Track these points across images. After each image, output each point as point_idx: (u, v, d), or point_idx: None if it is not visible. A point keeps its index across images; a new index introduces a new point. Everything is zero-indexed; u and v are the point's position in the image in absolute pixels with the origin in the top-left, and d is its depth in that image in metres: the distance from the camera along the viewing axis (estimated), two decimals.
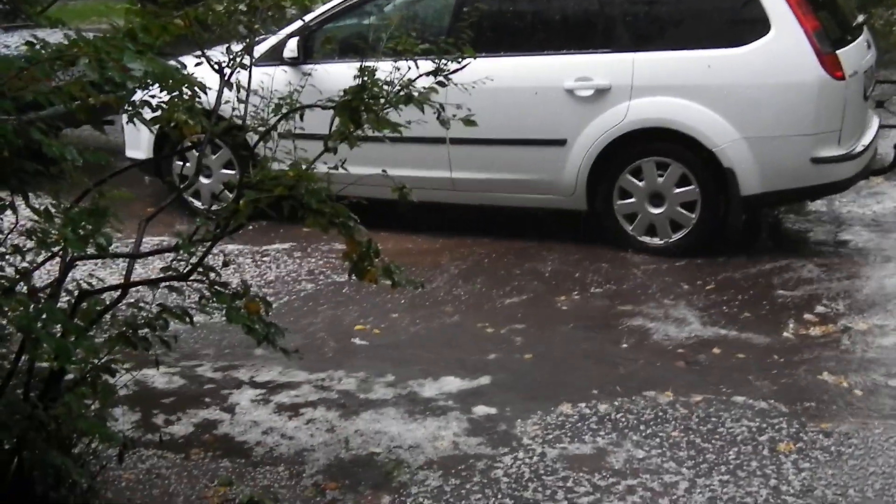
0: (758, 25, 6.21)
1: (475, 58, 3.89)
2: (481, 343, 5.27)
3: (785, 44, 6.17)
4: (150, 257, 4.62)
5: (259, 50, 6.03)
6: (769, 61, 6.21)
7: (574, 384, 4.78)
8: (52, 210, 3.23)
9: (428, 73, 3.78)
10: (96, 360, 3.32)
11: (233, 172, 7.15)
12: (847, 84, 6.25)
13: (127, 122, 3.55)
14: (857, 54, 6.57)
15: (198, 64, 3.78)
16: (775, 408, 4.48)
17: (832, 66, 6.16)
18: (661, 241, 6.53)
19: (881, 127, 7.29)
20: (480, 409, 4.53)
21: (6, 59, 3.27)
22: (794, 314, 5.55)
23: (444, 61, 3.80)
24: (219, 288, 3.50)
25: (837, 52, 6.25)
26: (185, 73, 3.38)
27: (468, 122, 3.85)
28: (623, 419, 4.41)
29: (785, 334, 5.30)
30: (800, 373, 4.86)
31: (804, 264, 6.32)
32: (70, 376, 3.39)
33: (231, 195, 3.65)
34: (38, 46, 3.25)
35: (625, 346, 5.22)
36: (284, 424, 4.43)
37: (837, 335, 5.28)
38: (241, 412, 4.56)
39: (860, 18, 7.28)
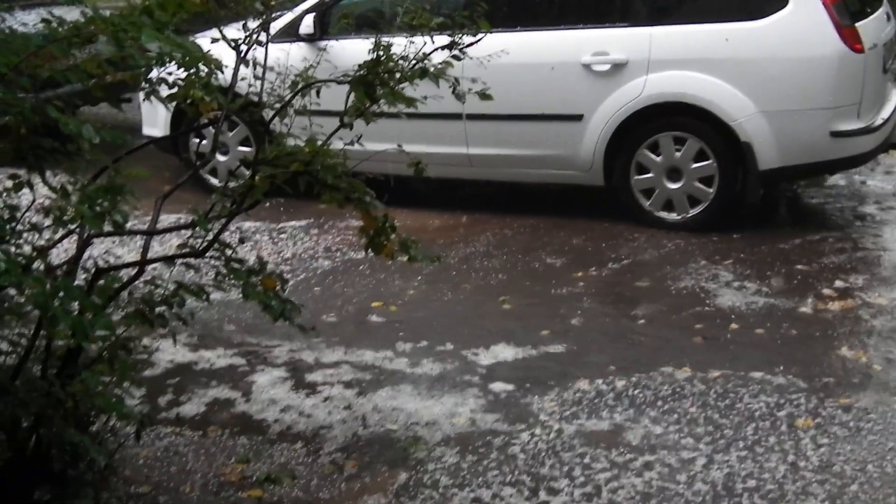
0: None
1: (490, 31, 3.86)
2: (498, 320, 5.25)
3: (803, 16, 6.11)
4: (166, 234, 4.62)
5: (275, 26, 6.00)
6: (787, 34, 6.14)
7: (591, 360, 4.76)
8: (69, 187, 3.23)
9: (443, 48, 3.75)
10: (114, 337, 3.31)
11: (250, 149, 7.14)
12: (866, 57, 6.18)
13: (144, 100, 3.54)
14: (876, 27, 6.50)
15: (214, 41, 3.75)
16: (793, 383, 4.45)
17: (851, 38, 6.10)
18: (679, 217, 6.49)
19: None
20: (497, 386, 4.51)
21: (24, 37, 3.25)
22: (812, 289, 5.51)
23: (459, 35, 3.77)
24: (235, 264, 3.49)
25: (856, 24, 6.19)
26: (202, 50, 3.36)
27: (484, 96, 3.83)
28: (640, 395, 4.39)
29: (803, 309, 5.27)
30: (818, 348, 4.83)
31: (823, 239, 6.28)
32: (88, 353, 3.39)
33: (247, 172, 3.63)
34: (54, 24, 3.24)
35: (642, 321, 5.20)
36: (302, 402, 4.43)
37: (856, 310, 5.24)
38: (258, 390, 4.55)
39: None
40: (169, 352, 4.81)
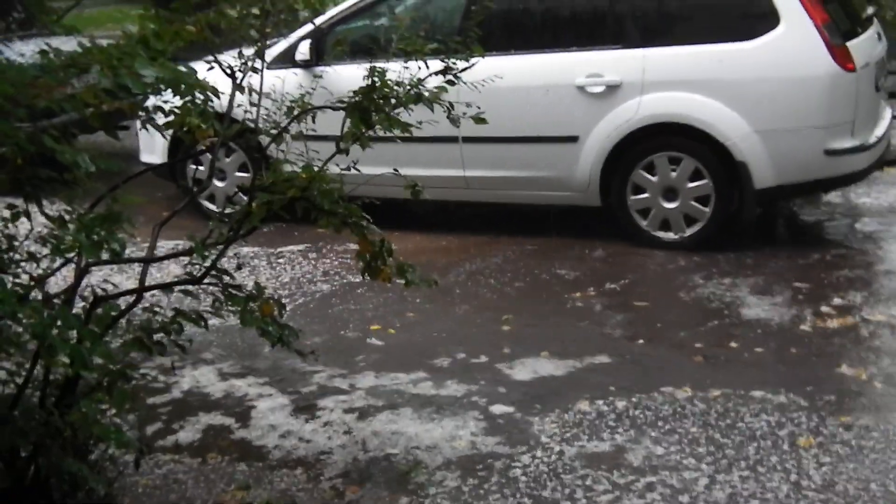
0: (767, 19, 6.17)
1: (483, 56, 3.86)
2: (496, 342, 5.23)
3: (795, 37, 6.13)
4: (164, 261, 4.60)
5: (271, 53, 6.01)
6: (780, 55, 6.16)
7: (591, 381, 4.73)
8: (66, 216, 3.22)
9: (437, 73, 3.74)
10: (112, 366, 3.29)
11: (247, 175, 7.13)
12: (858, 76, 6.20)
13: (141, 128, 3.53)
14: (867, 46, 6.52)
15: (210, 68, 3.75)
16: (794, 402, 4.42)
17: (843, 58, 6.12)
18: (676, 236, 6.48)
19: (894, 118, 7.24)
20: (498, 408, 4.48)
21: (19, 68, 3.25)
22: (811, 306, 5.49)
23: (453, 60, 3.77)
24: (233, 291, 3.48)
25: (848, 43, 6.21)
26: (197, 77, 3.36)
27: (478, 119, 3.82)
28: (641, 415, 4.36)
29: (802, 327, 5.25)
30: (818, 366, 4.81)
31: (820, 256, 6.28)
32: (86, 382, 3.37)
33: (244, 197, 3.62)
34: (51, 55, 3.24)
35: (641, 341, 5.17)
36: (301, 427, 4.39)
37: (855, 327, 5.23)
38: (257, 416, 4.52)
39: (870, 10, 7.23)
40: (165, 378, 4.78)
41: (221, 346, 5.24)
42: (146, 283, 3.54)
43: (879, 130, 6.61)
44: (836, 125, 6.20)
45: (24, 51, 5.82)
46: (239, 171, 7.31)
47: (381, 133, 3.66)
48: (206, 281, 3.49)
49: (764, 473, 3.87)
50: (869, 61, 6.39)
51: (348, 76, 5.14)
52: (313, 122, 3.74)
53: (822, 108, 6.17)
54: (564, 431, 4.25)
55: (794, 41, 6.13)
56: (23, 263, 3.31)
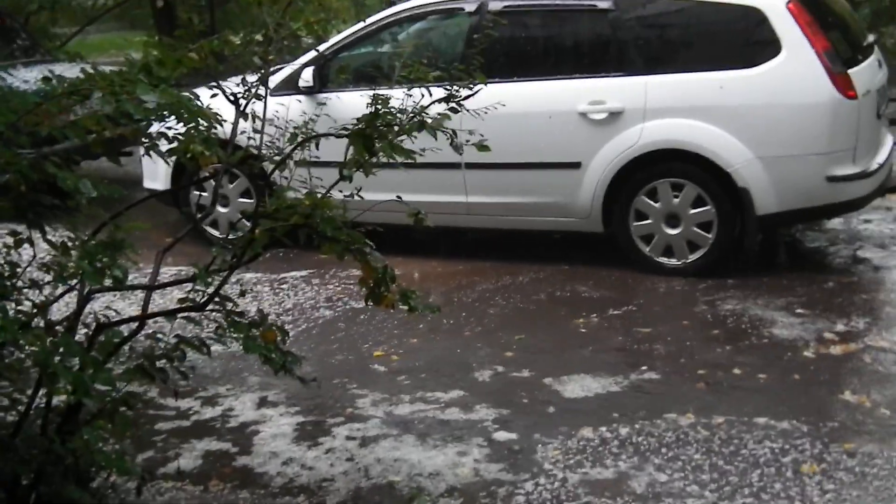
0: (769, 46, 6.18)
1: (486, 84, 3.86)
2: (500, 368, 5.21)
3: (797, 64, 6.13)
4: (168, 287, 4.59)
5: (274, 80, 6.03)
6: (781, 82, 6.17)
7: (594, 408, 4.71)
8: (69, 243, 3.22)
9: (440, 100, 3.75)
10: (114, 393, 3.28)
11: (250, 201, 7.14)
12: (860, 103, 6.20)
13: (144, 154, 3.53)
14: (869, 73, 6.53)
15: (213, 95, 3.75)
16: (798, 428, 4.40)
17: (844, 85, 6.12)
18: (679, 262, 6.47)
19: (895, 145, 7.23)
20: (501, 435, 4.46)
21: (22, 95, 3.26)
22: (814, 333, 5.47)
23: (455, 88, 3.77)
24: (236, 318, 3.46)
25: (849, 71, 6.22)
26: (200, 104, 3.36)
27: (481, 147, 3.82)
28: (644, 442, 4.33)
29: (805, 353, 5.23)
30: (822, 392, 4.78)
31: (823, 283, 6.26)
32: (88, 409, 3.35)
33: (247, 223, 3.62)
34: (53, 81, 3.24)
35: (644, 367, 5.15)
36: (304, 454, 4.37)
37: (858, 353, 5.21)
38: (260, 442, 4.50)
39: (871, 38, 7.24)
40: (166, 404, 4.76)
41: (224, 371, 5.22)
42: (149, 310, 3.54)
43: (881, 157, 6.61)
44: (838, 152, 6.20)
45: (28, 77, 5.83)
46: (242, 196, 7.32)
47: (384, 160, 3.66)
48: (209, 308, 3.48)
49: (768, 500, 3.85)
50: (870, 88, 6.40)
51: (351, 103, 5.18)
52: (317, 148, 3.75)
53: (823, 135, 6.17)
54: (568, 458, 4.23)
55: (795, 69, 6.14)
56: (26, 290, 3.31)
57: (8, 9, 10.71)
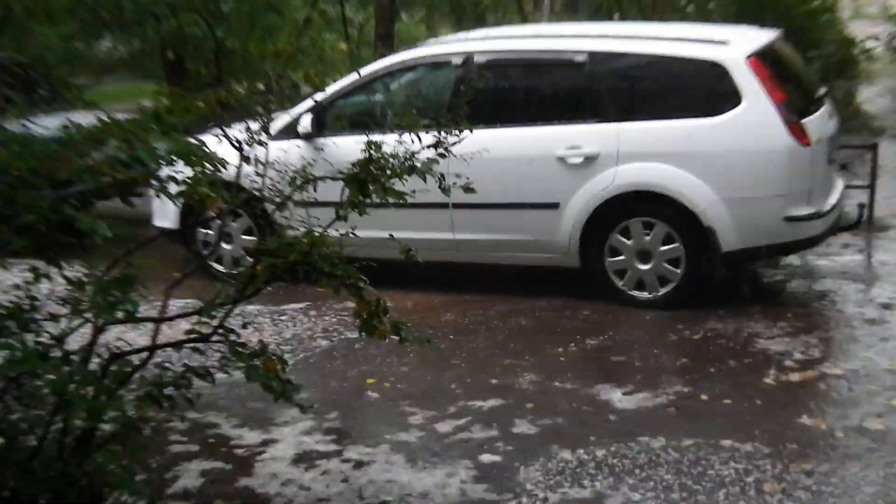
0: (731, 98, 6.23)
1: (472, 131, 3.88)
2: (486, 394, 5.19)
3: (756, 114, 6.18)
4: (175, 320, 4.57)
5: (275, 126, 6.03)
6: (742, 130, 6.22)
7: (573, 431, 4.69)
8: (84, 279, 3.21)
9: (429, 146, 3.77)
10: (125, 419, 3.26)
11: (253, 239, 7.12)
12: (813, 150, 6.26)
13: (154, 196, 3.53)
14: (821, 123, 6.58)
15: (219, 141, 3.76)
16: (760, 450, 4.39)
17: (799, 133, 6.18)
18: (650, 295, 6.48)
19: (845, 187, 7.30)
20: (486, 457, 4.44)
21: (43, 142, 3.26)
22: (774, 361, 5.48)
23: (443, 134, 3.79)
24: (239, 348, 3.45)
25: (803, 121, 6.28)
26: (207, 150, 3.37)
27: (468, 189, 3.84)
28: (619, 464, 4.32)
29: (766, 381, 5.23)
30: (782, 416, 4.78)
31: (782, 314, 6.27)
32: (101, 433, 3.33)
33: (250, 260, 3.61)
34: (71, 129, 3.25)
35: (619, 393, 5.14)
36: (301, 476, 4.34)
37: (815, 380, 5.21)
38: (260, 464, 4.46)
39: (822, 90, 7.31)
40: (174, 428, 4.73)
41: (227, 398, 5.19)
42: (158, 341, 3.52)
43: (833, 199, 6.66)
44: (794, 194, 6.24)
45: (49, 124, 5.83)
46: (245, 234, 7.30)
47: (377, 200, 3.66)
48: (213, 338, 3.47)
49: None
50: (822, 137, 6.46)
51: (347, 148, 5.19)
52: (314, 190, 3.75)
53: (781, 178, 6.21)
54: (548, 479, 4.21)
55: (755, 118, 6.18)
56: (44, 322, 3.29)
57: (31, 61, 10.72)
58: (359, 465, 4.42)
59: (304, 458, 4.50)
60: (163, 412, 3.45)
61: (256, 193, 3.77)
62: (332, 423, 4.87)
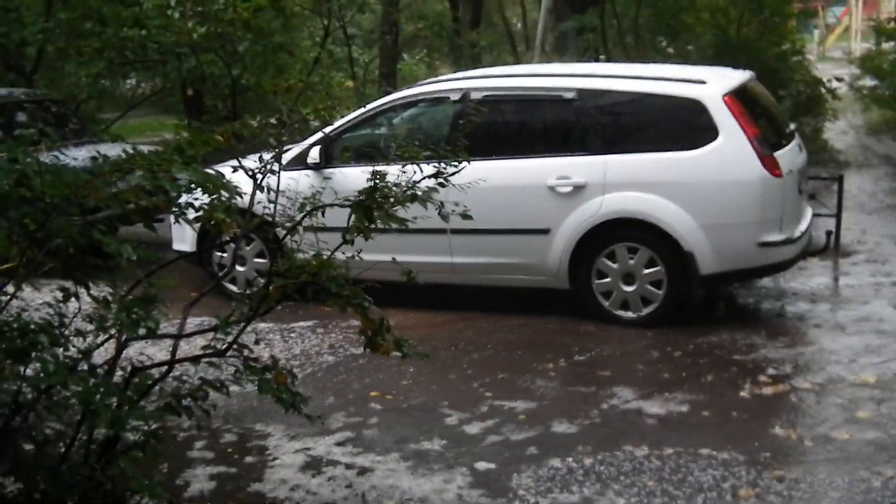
0: (708, 132, 6.26)
1: (470, 162, 3.91)
2: (480, 405, 5.19)
3: (731, 147, 6.21)
4: (193, 336, 4.57)
5: (286, 157, 6.06)
6: (719, 162, 6.24)
7: (562, 440, 4.69)
8: (109, 298, 3.23)
9: (430, 176, 3.79)
10: (147, 428, 3.26)
11: (264, 261, 7.14)
12: (784, 180, 6.29)
13: (174, 221, 3.55)
14: (791, 155, 6.62)
15: (234, 170, 3.79)
16: (735, 458, 4.39)
17: (771, 165, 6.21)
18: (634, 315, 6.48)
19: (814, 216, 7.33)
20: (481, 465, 4.43)
21: (73, 171, 3.28)
22: (749, 376, 5.48)
23: (443, 165, 3.82)
24: (252, 362, 3.46)
25: (775, 153, 6.31)
26: (223, 179, 3.40)
27: (465, 216, 3.86)
28: (605, 471, 4.32)
29: (742, 394, 5.23)
30: (756, 427, 4.78)
31: (756, 332, 6.28)
32: (124, 441, 3.33)
33: (262, 281, 3.63)
34: (99, 160, 3.27)
35: (605, 406, 5.14)
36: (308, 481, 4.33)
37: (786, 394, 5.21)
38: (270, 471, 4.46)
39: (792, 126, 7.36)
40: (191, 436, 4.72)
41: (240, 409, 5.18)
42: (177, 356, 3.53)
43: (802, 226, 6.69)
44: (767, 222, 6.26)
45: (78, 156, 5.85)
46: (257, 257, 7.31)
47: (381, 226, 3.68)
48: (228, 354, 3.48)
49: None
50: (792, 168, 6.49)
51: (353, 177, 5.22)
52: (323, 216, 3.77)
53: (754, 207, 6.23)
54: (539, 485, 4.21)
55: (730, 151, 6.21)
56: (72, 338, 3.30)
57: (62, 98, 10.77)
58: (363, 471, 4.41)
59: (311, 465, 4.49)
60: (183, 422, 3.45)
61: (268, 219, 3.79)
62: (339, 432, 4.87)
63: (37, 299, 3.56)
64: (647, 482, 4.19)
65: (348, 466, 4.47)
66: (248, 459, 4.60)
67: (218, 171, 3.52)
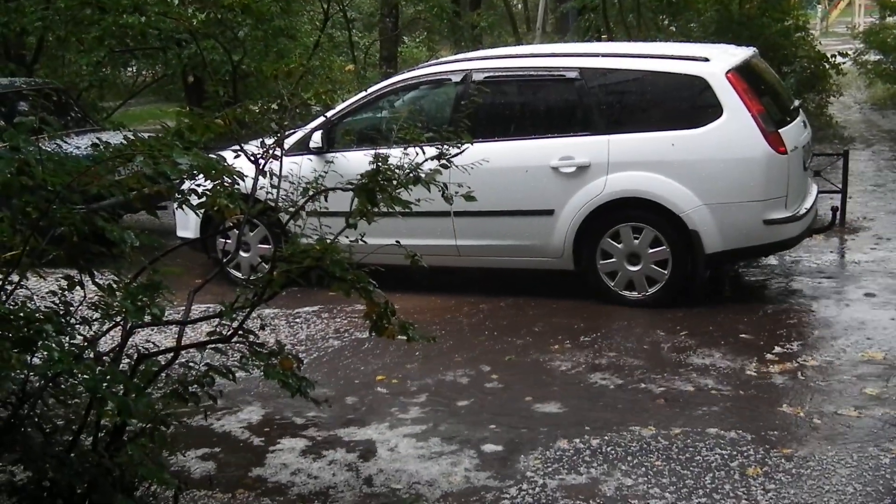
0: (712, 110, 6.24)
1: (472, 143, 3.89)
2: (486, 388, 5.20)
3: (736, 125, 6.19)
4: (198, 322, 4.58)
5: (288, 142, 6.04)
6: (723, 140, 6.22)
7: (569, 422, 4.70)
8: (114, 285, 3.23)
9: (432, 158, 3.78)
10: (154, 415, 3.27)
11: (268, 246, 7.14)
12: (789, 157, 6.26)
13: (177, 207, 3.54)
14: (796, 132, 6.59)
15: (236, 156, 3.78)
16: (743, 437, 4.40)
17: (776, 142, 6.18)
18: (640, 295, 6.48)
19: (819, 192, 7.31)
20: (488, 447, 4.45)
21: (76, 159, 3.28)
22: (756, 354, 5.48)
23: (445, 147, 3.80)
24: (257, 348, 3.46)
25: (780, 130, 6.28)
26: (225, 164, 3.39)
27: (468, 198, 3.85)
28: (612, 451, 4.33)
29: (749, 372, 5.23)
30: (763, 405, 4.78)
31: (762, 311, 6.28)
32: (132, 428, 3.34)
33: (267, 266, 3.62)
34: (101, 147, 3.27)
35: (611, 387, 5.14)
36: (316, 466, 4.35)
37: (794, 371, 5.21)
38: (276, 457, 4.47)
39: (797, 102, 7.32)
40: (196, 423, 4.74)
41: (244, 394, 5.20)
42: (182, 343, 3.54)
43: (808, 203, 6.66)
44: (772, 199, 6.25)
45: (80, 144, 5.85)
46: (261, 243, 7.32)
47: (384, 209, 3.67)
48: (234, 339, 3.48)
49: (719, 500, 3.84)
50: (797, 145, 6.46)
51: (355, 161, 5.21)
52: (326, 200, 3.76)
53: (759, 184, 6.21)
54: (546, 466, 4.22)
55: (735, 129, 6.19)
56: (77, 326, 3.31)
57: (64, 86, 10.76)
58: (370, 454, 4.42)
59: (315, 450, 4.50)
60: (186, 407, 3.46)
61: (271, 204, 3.79)
62: (346, 416, 4.88)
63: (42, 288, 3.57)
64: (654, 462, 4.20)
65: (354, 450, 4.48)
66: (252, 443, 4.61)
67: (220, 157, 3.51)
